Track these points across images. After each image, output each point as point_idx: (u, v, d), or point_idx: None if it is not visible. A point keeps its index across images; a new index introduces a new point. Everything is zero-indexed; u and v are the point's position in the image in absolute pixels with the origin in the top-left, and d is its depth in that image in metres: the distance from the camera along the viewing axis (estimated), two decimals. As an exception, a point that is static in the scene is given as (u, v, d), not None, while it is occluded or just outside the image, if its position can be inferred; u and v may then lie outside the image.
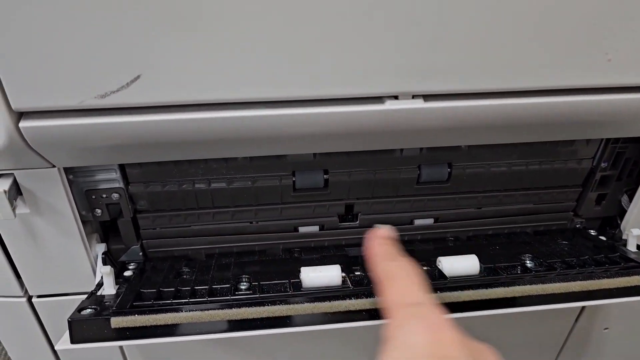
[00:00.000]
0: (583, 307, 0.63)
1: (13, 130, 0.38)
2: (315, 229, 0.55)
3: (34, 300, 0.54)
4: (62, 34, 0.34)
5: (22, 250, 0.49)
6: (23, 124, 0.37)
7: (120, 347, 0.58)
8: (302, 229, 0.55)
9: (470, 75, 0.39)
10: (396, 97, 0.40)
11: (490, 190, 0.55)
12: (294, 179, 0.50)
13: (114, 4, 0.33)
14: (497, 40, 0.37)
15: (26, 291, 0.53)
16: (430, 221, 0.56)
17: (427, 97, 0.40)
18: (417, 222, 0.56)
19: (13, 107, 0.37)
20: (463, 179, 0.53)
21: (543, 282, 0.46)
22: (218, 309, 0.43)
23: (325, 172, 0.50)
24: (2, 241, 0.49)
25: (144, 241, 0.53)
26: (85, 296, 0.49)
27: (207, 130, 0.40)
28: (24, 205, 0.46)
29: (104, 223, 0.54)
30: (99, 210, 0.49)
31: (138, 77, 0.36)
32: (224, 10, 0.34)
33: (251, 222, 0.53)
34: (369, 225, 0.54)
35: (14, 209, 0.44)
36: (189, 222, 0.52)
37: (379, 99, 0.40)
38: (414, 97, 0.40)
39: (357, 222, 0.55)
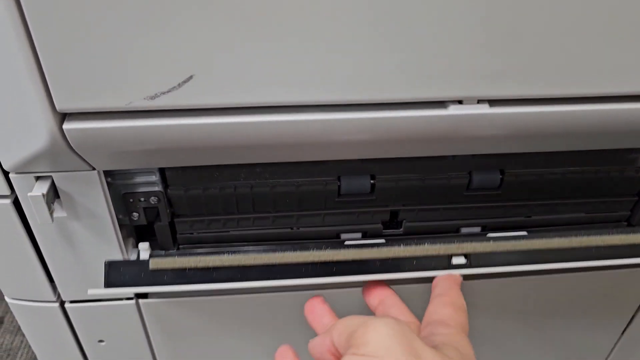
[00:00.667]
0: None
1: (56, 132, 0.36)
2: (358, 235, 0.53)
3: (66, 305, 0.52)
4: (112, 31, 0.32)
5: (57, 255, 0.47)
6: (67, 125, 0.35)
7: (147, 337, 0.56)
8: (344, 236, 0.52)
9: (542, 80, 0.36)
10: (460, 102, 0.37)
11: (541, 198, 0.52)
12: (339, 184, 0.48)
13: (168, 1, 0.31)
14: (571, 43, 0.35)
15: (59, 296, 0.51)
16: (477, 229, 0.54)
17: (492, 102, 0.37)
18: (464, 230, 0.54)
19: (57, 108, 0.35)
20: (515, 186, 0.50)
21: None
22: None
23: (372, 177, 0.48)
24: (36, 244, 0.47)
25: (180, 246, 0.51)
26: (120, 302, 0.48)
27: (261, 135, 0.37)
28: (60, 209, 0.44)
29: (139, 227, 0.52)
30: (136, 214, 0.47)
31: (191, 77, 0.34)
32: (285, 7, 0.32)
33: (292, 228, 0.51)
34: (414, 232, 0.52)
35: (51, 213, 0.42)
36: (227, 227, 0.50)
37: (441, 104, 0.37)
38: (479, 102, 0.37)
39: (402, 229, 0.52)
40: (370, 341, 0.30)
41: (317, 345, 0.35)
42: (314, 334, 0.37)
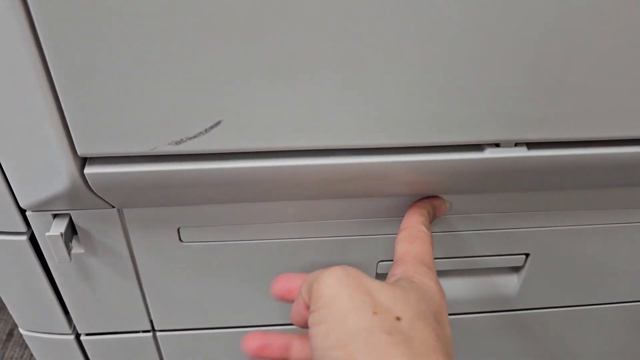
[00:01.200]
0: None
1: (77, 176, 0.34)
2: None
3: (82, 338, 0.51)
4: (139, 75, 0.30)
5: (73, 289, 0.46)
6: (88, 170, 0.34)
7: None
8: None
9: (578, 123, 0.35)
10: (497, 145, 0.36)
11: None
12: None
13: (199, 45, 0.29)
14: (606, 89, 0.33)
15: (74, 328, 0.50)
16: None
17: (530, 144, 0.36)
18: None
19: (79, 152, 0.33)
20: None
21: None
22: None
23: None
24: (52, 278, 0.46)
25: (198, 278, 0.50)
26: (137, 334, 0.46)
27: (284, 178, 0.36)
28: (78, 245, 0.43)
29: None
30: (154, 248, 0.46)
31: (219, 122, 0.32)
32: (313, 56, 0.30)
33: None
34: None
35: (69, 251, 0.41)
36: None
37: (478, 147, 0.36)
38: (516, 144, 0.36)
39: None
40: (322, 294, 0.30)
41: (294, 312, 0.34)
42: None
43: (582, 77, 0.32)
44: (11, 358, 0.99)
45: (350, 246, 0.46)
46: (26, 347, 1.00)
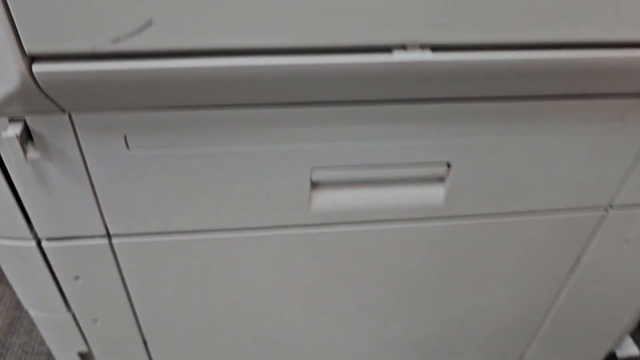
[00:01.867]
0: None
1: (26, 74, 0.38)
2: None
3: (43, 244, 0.55)
4: (75, -24, 0.34)
5: (33, 194, 0.50)
6: (36, 67, 0.38)
7: (121, 275, 0.60)
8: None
9: (482, 27, 0.39)
10: (404, 48, 0.40)
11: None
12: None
13: (127, -53, 0.33)
14: (507, -8, 0.38)
15: (35, 234, 0.54)
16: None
17: (435, 48, 0.40)
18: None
19: (26, 50, 0.37)
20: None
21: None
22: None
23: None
24: (12, 185, 0.50)
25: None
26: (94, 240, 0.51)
27: (215, 78, 0.40)
28: (34, 150, 0.47)
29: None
30: (107, 157, 0.50)
31: (150, 22, 0.36)
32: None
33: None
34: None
35: (25, 154, 0.45)
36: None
37: (387, 50, 0.40)
38: (421, 48, 0.40)
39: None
40: None
41: None
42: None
43: (474, -17, 0.37)
44: (-15, 293, 1.03)
45: (284, 155, 0.50)
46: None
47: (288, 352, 0.74)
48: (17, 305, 1.00)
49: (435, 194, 0.57)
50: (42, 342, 0.95)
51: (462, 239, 0.62)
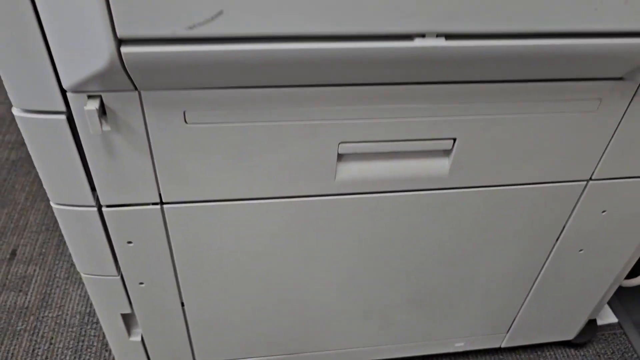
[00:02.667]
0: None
1: (115, 54, 0.46)
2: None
3: (103, 210, 0.63)
4: (165, -25, 0.42)
5: (100, 165, 0.58)
6: (124, 49, 0.46)
7: (168, 240, 0.68)
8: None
9: (485, 19, 0.48)
10: (423, 36, 0.49)
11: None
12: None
13: (209, -48, 0.42)
14: (506, -10, 0.47)
15: (97, 201, 0.62)
16: (438, 149, 0.66)
17: (448, 36, 0.49)
18: (427, 150, 0.66)
19: (118, 35, 0.45)
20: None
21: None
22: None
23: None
24: (82, 155, 0.58)
25: (197, 161, 0.63)
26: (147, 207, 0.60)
27: (269, 60, 0.49)
28: (106, 124, 0.55)
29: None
30: (163, 132, 0.58)
31: (221, 12, 0.45)
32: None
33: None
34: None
35: (101, 126, 0.53)
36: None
37: (409, 37, 0.49)
38: (438, 36, 0.49)
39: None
40: None
41: None
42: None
43: (480, -17, 0.46)
44: (16, 273, 1.10)
45: (318, 129, 0.59)
46: (29, 264, 1.11)
47: (309, 305, 0.82)
48: (48, 282, 1.08)
49: (441, 166, 0.66)
50: (72, 315, 1.03)
51: (463, 207, 0.71)
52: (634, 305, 1.14)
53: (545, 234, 0.78)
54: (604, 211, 0.76)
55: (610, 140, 0.67)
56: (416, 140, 0.62)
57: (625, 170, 0.71)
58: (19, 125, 0.55)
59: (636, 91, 0.62)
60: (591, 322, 1.06)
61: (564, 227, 0.78)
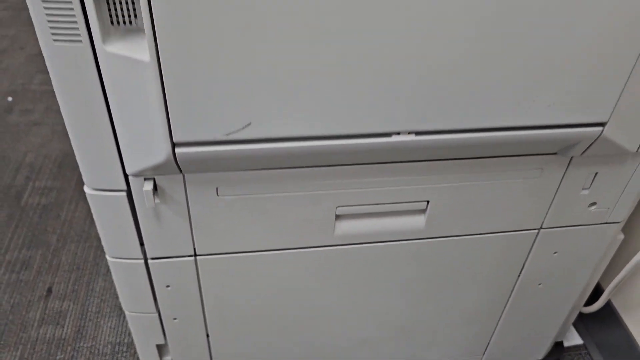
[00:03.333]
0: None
1: (170, 153, 0.63)
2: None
3: (149, 261, 0.79)
4: (211, 104, 0.59)
5: (149, 227, 0.74)
6: (178, 150, 0.62)
7: (199, 285, 0.84)
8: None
9: (444, 121, 0.65)
10: (398, 133, 0.66)
11: (456, 187, 0.81)
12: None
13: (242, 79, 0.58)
14: (464, 98, 0.64)
15: (145, 255, 0.78)
16: (416, 208, 0.83)
17: (418, 133, 0.66)
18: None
19: (174, 140, 0.62)
20: (438, 180, 0.79)
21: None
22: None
23: (348, 175, 0.76)
24: (137, 222, 0.74)
25: (224, 221, 0.79)
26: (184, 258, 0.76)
27: (283, 153, 0.65)
28: (157, 198, 0.71)
29: (195, 209, 0.79)
30: (198, 201, 0.74)
31: (249, 124, 0.61)
32: (297, 92, 0.59)
33: (296, 208, 0.79)
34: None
35: (154, 200, 0.69)
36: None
37: (388, 135, 0.66)
38: (410, 133, 0.66)
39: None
40: None
41: None
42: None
43: (442, 95, 0.63)
44: (53, 309, 1.25)
45: (321, 198, 0.75)
46: (64, 299, 1.26)
47: (316, 336, 0.98)
48: (81, 316, 1.23)
49: (419, 221, 0.82)
50: (105, 344, 1.17)
51: (438, 253, 0.87)
52: (597, 328, 1.30)
53: (508, 272, 0.94)
54: (555, 252, 0.93)
55: (554, 198, 0.84)
56: (398, 202, 0.79)
57: (568, 220, 0.88)
58: (89, 201, 0.71)
59: (569, 162, 0.79)
60: (558, 344, 1.21)
61: (523, 266, 0.94)
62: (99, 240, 1.39)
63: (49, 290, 1.28)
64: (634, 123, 0.72)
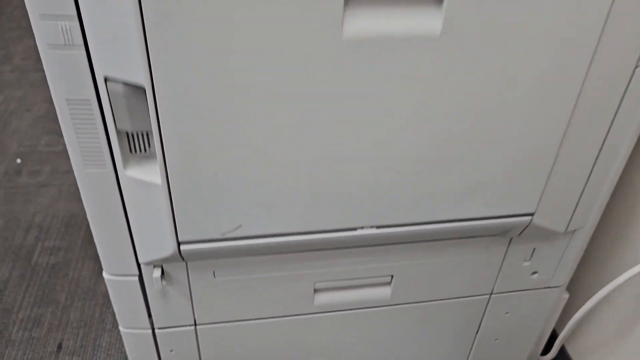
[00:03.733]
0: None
1: (176, 250, 0.77)
2: (317, 285, 0.95)
3: (156, 331, 0.93)
4: (209, 212, 0.74)
5: (156, 302, 0.88)
6: (183, 247, 0.77)
7: (199, 351, 0.97)
8: (309, 286, 0.95)
9: (398, 217, 0.80)
10: (363, 228, 0.81)
11: (417, 261, 0.96)
12: (307, 260, 0.90)
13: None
14: (416, 199, 0.79)
15: (152, 325, 0.92)
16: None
17: (378, 227, 0.81)
18: (376, 280, 0.97)
19: (179, 239, 0.76)
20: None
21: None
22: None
23: (324, 256, 0.91)
24: (146, 298, 0.88)
25: (219, 295, 0.93)
26: (186, 327, 0.89)
27: (274, 246, 0.80)
28: (164, 281, 0.85)
29: (195, 285, 0.93)
30: (198, 280, 0.89)
31: (240, 226, 0.76)
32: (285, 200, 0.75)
33: (281, 283, 0.94)
34: (348, 283, 0.95)
35: (162, 283, 0.83)
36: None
37: (354, 229, 0.81)
38: (372, 227, 0.81)
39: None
40: None
41: None
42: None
43: (399, 198, 0.78)
44: (63, 363, 1.37)
45: (301, 276, 0.90)
46: (73, 355, 1.39)
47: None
48: (90, 371, 1.35)
49: (385, 292, 0.97)
50: (112, 398, 1.30)
51: (404, 317, 1.01)
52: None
53: (466, 330, 1.08)
54: (507, 312, 1.07)
55: (500, 269, 0.98)
56: (366, 277, 0.93)
57: (514, 286, 1.02)
58: (107, 285, 0.86)
59: (509, 241, 0.94)
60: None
61: (479, 325, 1.08)
62: (104, 297, 1.53)
63: (59, 347, 1.40)
64: (557, 210, 0.87)
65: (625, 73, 0.73)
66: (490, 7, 0.61)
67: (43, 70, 0.63)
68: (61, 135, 0.69)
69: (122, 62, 0.61)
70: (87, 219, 0.78)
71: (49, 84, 0.64)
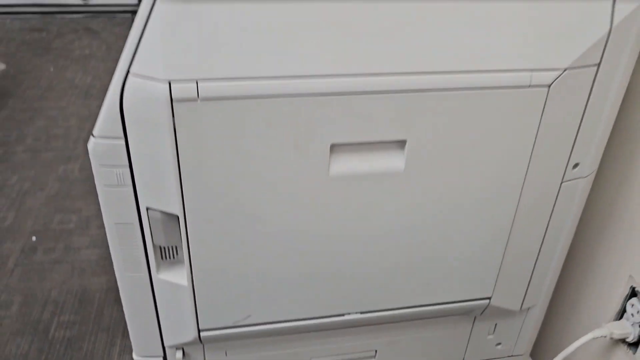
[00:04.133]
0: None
1: (197, 335, 0.94)
2: None
3: (175, 403, 1.08)
4: (225, 303, 0.91)
5: (177, 380, 1.04)
6: (203, 333, 0.94)
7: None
8: None
9: (375, 303, 0.98)
10: (349, 313, 0.98)
11: (397, 337, 1.13)
12: (303, 339, 1.07)
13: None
14: (393, 291, 0.97)
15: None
16: (369, 353, 1.14)
17: (362, 312, 0.98)
18: (363, 353, 1.14)
19: (200, 327, 0.93)
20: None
21: None
22: None
23: (318, 335, 1.08)
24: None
25: None
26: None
27: (277, 330, 0.97)
28: (184, 358, 1.02)
29: (209, 362, 1.09)
30: (212, 358, 1.05)
31: (249, 315, 0.93)
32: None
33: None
34: (339, 357, 1.12)
35: (183, 363, 1.00)
36: None
37: (342, 315, 0.98)
38: (356, 312, 0.98)
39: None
40: None
41: None
42: None
43: (377, 291, 0.96)
44: None
45: (298, 353, 1.06)
46: None
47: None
48: None
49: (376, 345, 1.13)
50: None
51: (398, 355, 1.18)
52: None
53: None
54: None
55: (468, 341, 1.15)
56: (355, 352, 1.10)
57: (483, 355, 1.19)
58: (137, 365, 1.02)
59: (474, 319, 1.12)
60: None
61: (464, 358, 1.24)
62: (117, 369, 1.67)
63: (77, 416, 1.53)
64: (510, 293, 1.06)
65: (554, 187, 0.93)
66: (440, 149, 0.81)
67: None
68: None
69: (161, 197, 0.80)
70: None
71: (102, 211, 0.83)
